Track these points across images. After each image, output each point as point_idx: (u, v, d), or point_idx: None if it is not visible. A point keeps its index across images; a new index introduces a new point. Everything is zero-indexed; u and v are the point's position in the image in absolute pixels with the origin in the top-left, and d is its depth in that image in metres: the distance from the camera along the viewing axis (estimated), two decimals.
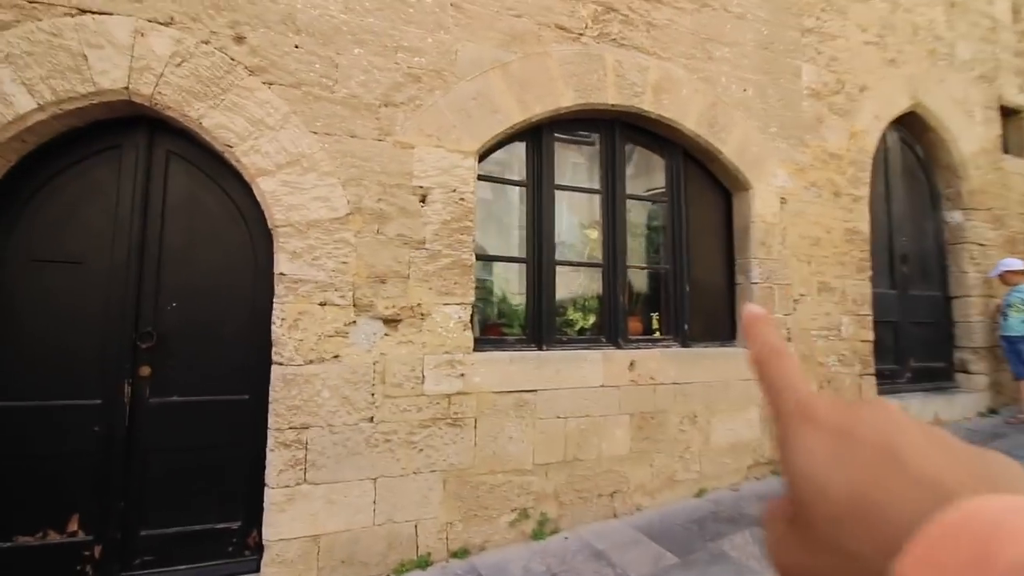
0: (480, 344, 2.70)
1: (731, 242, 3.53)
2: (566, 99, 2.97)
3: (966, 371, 4.41)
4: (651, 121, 3.23)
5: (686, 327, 3.28)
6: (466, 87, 2.73)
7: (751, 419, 3.25)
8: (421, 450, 2.42)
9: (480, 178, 2.85)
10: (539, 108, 2.90)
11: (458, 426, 2.50)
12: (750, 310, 0.27)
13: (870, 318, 3.80)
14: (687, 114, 3.27)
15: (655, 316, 3.32)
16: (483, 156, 2.87)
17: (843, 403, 0.22)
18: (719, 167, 3.44)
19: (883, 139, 4.35)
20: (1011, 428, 3.89)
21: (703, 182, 3.52)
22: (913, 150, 4.54)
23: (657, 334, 3.29)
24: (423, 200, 2.59)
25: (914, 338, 4.30)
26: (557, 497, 2.67)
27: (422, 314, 2.50)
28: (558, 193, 3.10)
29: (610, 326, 3.09)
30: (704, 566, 2.24)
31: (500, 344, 2.81)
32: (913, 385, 4.21)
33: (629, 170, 3.37)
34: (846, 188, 3.79)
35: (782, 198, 3.52)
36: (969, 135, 4.50)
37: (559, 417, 2.73)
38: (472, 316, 2.66)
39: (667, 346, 3.21)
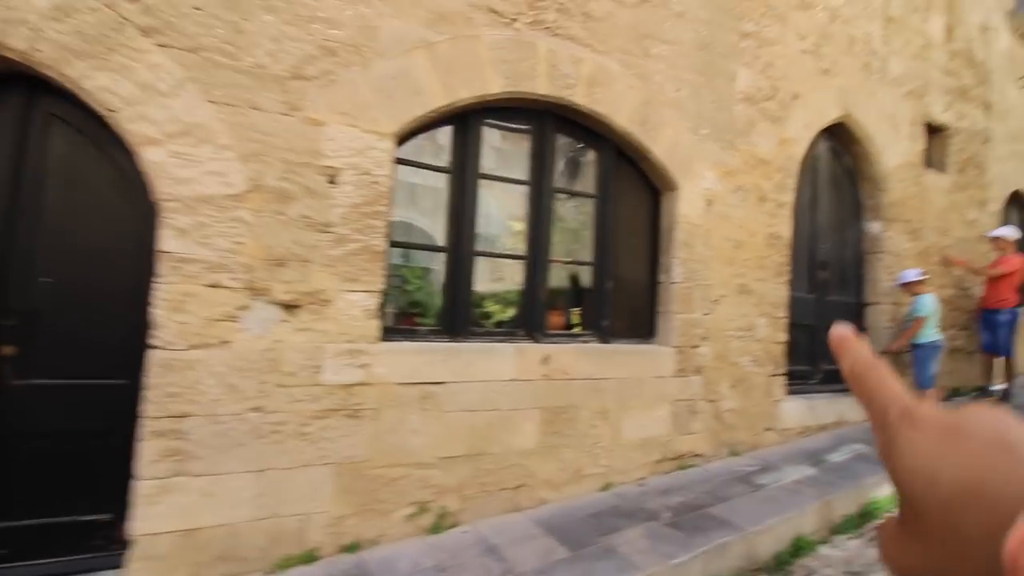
0: (390, 334, 2.64)
1: (658, 241, 3.56)
2: (495, 85, 2.89)
3: None
4: (582, 115, 3.19)
5: (606, 323, 3.30)
6: (387, 65, 2.61)
7: (661, 416, 3.33)
8: (314, 442, 2.35)
9: (400, 162, 2.75)
10: (465, 93, 2.80)
11: (357, 418, 2.44)
12: (838, 332, 0.29)
13: (785, 320, 3.95)
14: (619, 110, 3.25)
15: (576, 311, 3.33)
16: (405, 139, 2.77)
17: (948, 409, 0.23)
18: (649, 165, 3.45)
19: (812, 148, 4.48)
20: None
21: (633, 179, 3.52)
22: (841, 160, 4.70)
23: (577, 329, 3.31)
24: (332, 181, 2.47)
25: (827, 342, 4.50)
26: (460, 491, 2.67)
27: (324, 300, 2.41)
28: (486, 183, 3.04)
29: (529, 319, 3.07)
30: (591, 560, 2.28)
31: (412, 334, 2.75)
32: (823, 386, 4.43)
33: (564, 164, 3.34)
34: (772, 194, 3.88)
35: (709, 200, 3.57)
36: (894, 149, 4.69)
37: (467, 410, 2.70)
38: (383, 305, 2.59)
39: (585, 342, 3.23)
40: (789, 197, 3.99)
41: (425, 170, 2.95)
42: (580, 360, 3.06)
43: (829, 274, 4.56)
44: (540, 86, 3.00)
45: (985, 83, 5.68)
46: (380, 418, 2.49)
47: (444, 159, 2.96)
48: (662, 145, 3.39)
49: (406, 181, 3.04)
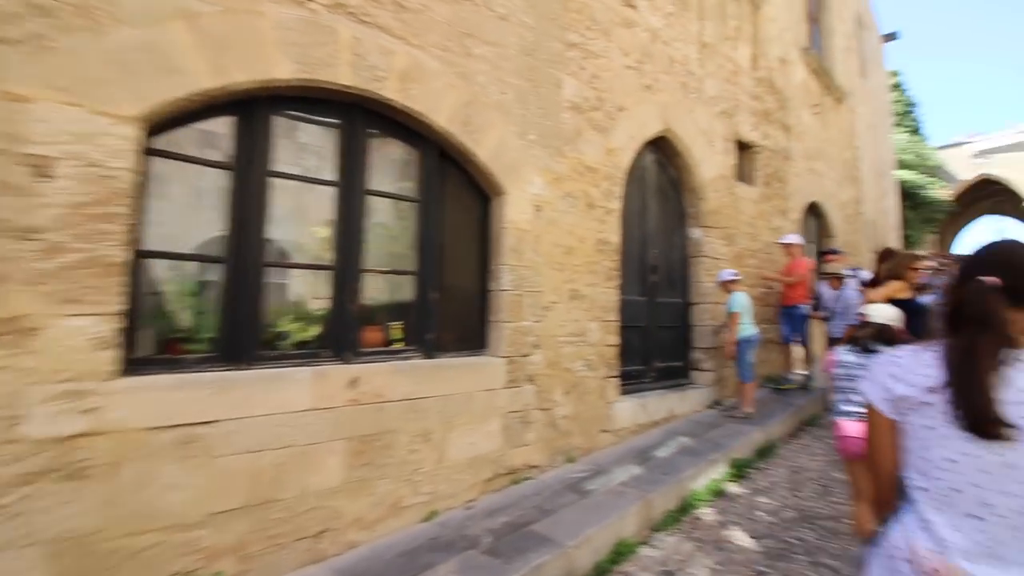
0: (139, 367, 2.13)
1: (488, 248, 3.44)
2: (282, 70, 2.52)
3: (699, 369, 5.06)
4: (397, 112, 2.94)
5: (431, 337, 3.08)
6: (130, 35, 2.11)
7: (493, 430, 3.19)
8: (13, 517, 1.78)
9: (154, 153, 2.26)
10: (243, 76, 2.39)
11: (82, 478, 1.91)
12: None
13: (616, 324, 4.07)
14: (439, 109, 3.05)
15: (397, 325, 3.06)
16: (165, 126, 2.28)
17: None
18: (475, 169, 3.31)
19: (640, 158, 4.73)
20: (726, 419, 4.52)
21: (461, 183, 3.36)
22: (666, 171, 5.04)
23: (398, 345, 3.04)
24: (43, 174, 1.92)
25: (659, 341, 4.78)
26: (240, 550, 2.24)
27: (26, 330, 1.85)
28: (281, 182, 2.65)
29: (336, 338, 2.74)
30: None
31: (174, 365, 2.27)
32: (656, 384, 4.68)
33: (382, 163, 3.05)
34: (600, 201, 3.98)
35: (537, 206, 3.53)
36: (710, 162, 5.14)
37: (248, 452, 2.29)
38: (126, 331, 2.08)
39: (407, 358, 2.97)
40: (617, 204, 4.14)
41: (196, 165, 2.47)
42: (398, 379, 2.79)
43: (659, 277, 4.84)
44: (343, 76, 2.69)
45: (784, 108, 6.54)
46: (118, 475, 1.98)
47: (227, 153, 2.51)
48: (487, 148, 3.27)
49: (174, 176, 2.53)
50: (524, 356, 3.41)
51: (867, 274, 4.81)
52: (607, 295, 4.01)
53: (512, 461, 3.29)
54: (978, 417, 0.89)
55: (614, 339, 4.05)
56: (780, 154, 6.36)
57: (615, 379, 4.04)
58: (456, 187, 3.33)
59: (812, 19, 8.40)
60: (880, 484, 1.10)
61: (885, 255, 4.38)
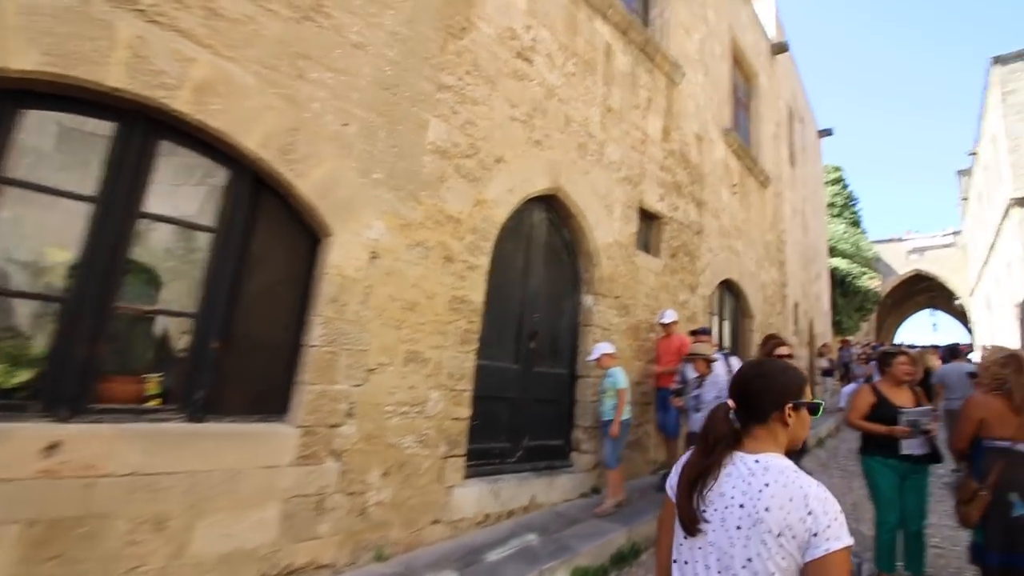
0: None
1: (308, 295, 3.00)
2: (23, 59, 2.12)
3: (579, 450, 4.63)
4: (192, 127, 2.56)
5: (200, 395, 2.56)
6: None
7: (266, 518, 2.62)
8: None
9: None
10: None
11: None
12: None
13: (469, 393, 3.64)
14: (250, 131, 2.69)
15: (154, 378, 2.53)
16: None
17: None
18: (297, 203, 2.93)
19: (526, 215, 4.49)
20: (591, 515, 4.01)
21: (284, 219, 2.96)
22: (560, 232, 4.80)
23: (155, 403, 2.50)
24: None
25: (534, 416, 4.35)
26: None
27: None
28: (12, 191, 2.18)
29: (55, 388, 2.19)
30: None
31: None
32: (522, 466, 4.20)
33: (176, 183, 2.63)
34: (461, 254, 3.65)
35: (374, 252, 3.15)
36: (606, 227, 4.96)
37: None
38: None
39: (161, 420, 2.43)
40: (484, 261, 3.81)
41: None
42: (124, 447, 2.24)
43: (540, 345, 4.48)
44: (112, 77, 2.30)
45: (699, 183, 6.56)
46: None
47: None
48: (312, 182, 2.90)
49: None
50: (332, 427, 2.91)
51: (737, 362, 4.51)
52: (459, 360, 3.59)
53: (293, 558, 2.70)
54: (682, 516, 1.17)
55: (464, 411, 3.60)
56: (691, 228, 6.31)
57: (460, 459, 3.55)
58: (274, 221, 2.92)
59: (741, 104, 8.76)
60: (659, 560, 1.31)
61: (766, 341, 4.17)
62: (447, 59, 3.68)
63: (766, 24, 10.03)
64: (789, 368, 1.27)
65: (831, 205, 22.53)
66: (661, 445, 5.39)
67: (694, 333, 5.09)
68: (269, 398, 2.85)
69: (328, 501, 2.87)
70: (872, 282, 15.71)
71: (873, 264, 20.05)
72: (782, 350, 3.75)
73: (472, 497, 3.60)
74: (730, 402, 1.23)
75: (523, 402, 4.30)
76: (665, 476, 4.68)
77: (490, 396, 4.01)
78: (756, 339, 8.15)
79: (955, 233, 25.58)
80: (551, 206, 4.67)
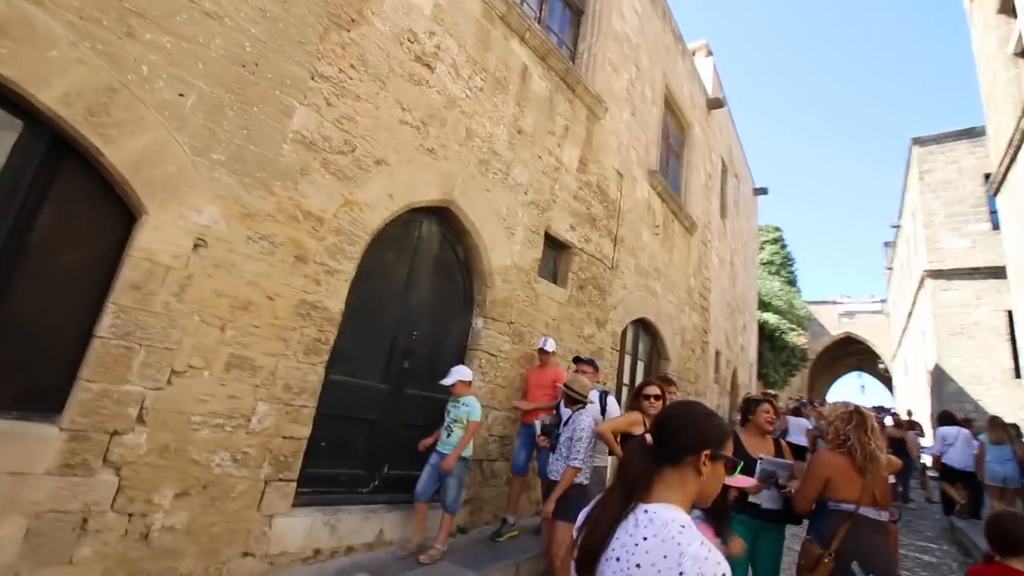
0: None
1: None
2: None
3: None
4: None
5: None
6: None
7: (2, 535, 2.16)
8: None
9: None
10: None
11: None
12: None
13: (310, 411, 3.28)
14: (49, 84, 2.37)
15: None
16: None
17: None
18: (106, 173, 2.59)
19: (416, 227, 4.27)
20: (436, 559, 3.58)
21: (95, 191, 2.61)
22: (455, 249, 4.60)
23: None
24: None
25: (401, 442, 4.00)
26: None
27: None
28: None
29: None
30: None
31: None
32: (377, 496, 3.82)
33: None
34: (319, 256, 3.36)
35: (200, 239, 2.82)
36: (504, 249, 4.79)
37: None
38: None
39: None
40: (348, 266, 3.53)
41: None
42: None
43: (415, 364, 4.17)
44: None
45: (615, 219, 6.57)
46: None
47: None
48: (127, 151, 2.58)
49: None
50: (113, 433, 2.49)
51: (614, 403, 4.11)
52: (302, 372, 3.24)
53: None
54: (576, 561, 1.11)
55: (301, 430, 3.23)
56: (603, 262, 6.26)
57: (289, 483, 3.16)
58: (82, 192, 2.57)
59: (672, 150, 9.02)
60: None
61: (644, 384, 4.03)
62: (329, 48, 3.49)
63: (705, 79, 10.53)
64: (715, 416, 1.23)
65: (769, 263, 23.61)
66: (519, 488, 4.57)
67: (577, 361, 4.58)
68: (41, 393, 2.42)
69: (96, 521, 2.42)
70: (800, 339, 16.33)
71: (805, 323, 20.93)
72: (650, 390, 3.56)
73: (300, 529, 3.19)
74: (648, 437, 1.18)
75: (387, 426, 3.96)
76: (504, 522, 4.31)
77: (345, 416, 3.66)
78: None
79: (883, 301, 27.25)
80: (445, 220, 4.48)
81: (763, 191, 15.28)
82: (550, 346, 4.71)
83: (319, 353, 3.34)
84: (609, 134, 6.53)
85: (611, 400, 4.08)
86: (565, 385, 3.65)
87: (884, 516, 2.51)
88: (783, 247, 24.30)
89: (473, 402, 3.82)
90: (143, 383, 2.60)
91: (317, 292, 3.35)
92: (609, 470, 4.14)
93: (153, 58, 2.70)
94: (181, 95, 2.80)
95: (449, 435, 3.75)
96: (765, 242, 24.43)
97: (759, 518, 2.95)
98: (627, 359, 7.20)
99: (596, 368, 4.47)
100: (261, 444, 3.03)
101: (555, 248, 5.60)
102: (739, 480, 2.88)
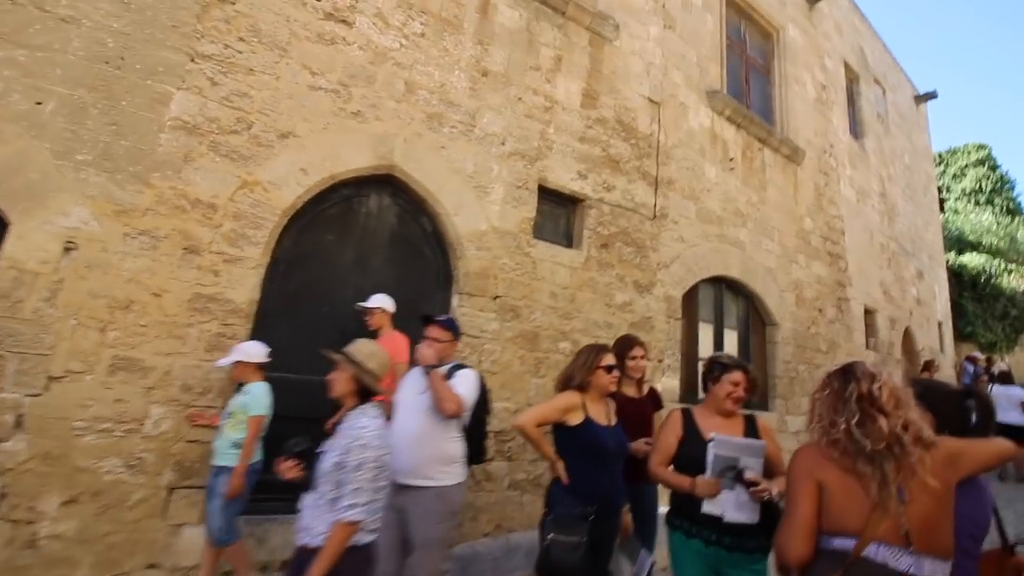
0: None
1: None
2: None
3: None
4: None
5: None
6: None
7: None
8: None
9: None
10: None
11: None
12: None
13: (217, 411, 3.07)
14: None
15: None
16: None
17: None
18: None
19: (362, 202, 3.92)
20: None
21: None
22: (419, 221, 4.12)
23: None
24: None
25: None
26: None
27: None
28: None
29: None
30: None
31: None
32: None
33: None
34: (215, 245, 3.17)
35: (70, 242, 2.81)
36: (474, 212, 4.16)
37: None
38: None
39: None
40: (254, 252, 3.29)
41: None
42: None
43: None
44: None
45: (652, 157, 5.42)
46: None
47: None
48: None
49: None
50: None
51: (473, 378, 2.62)
52: (204, 371, 3.07)
53: None
54: None
55: (208, 433, 3.04)
56: (638, 212, 5.17)
57: (199, 490, 2.98)
58: None
59: (752, 63, 7.32)
60: None
61: (618, 344, 3.06)
62: (210, 26, 3.33)
63: None
64: None
65: (976, 191, 18.45)
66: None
67: (427, 323, 2.70)
68: None
69: None
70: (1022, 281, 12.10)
71: None
72: (605, 359, 2.54)
73: None
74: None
75: None
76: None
77: (282, 416, 3.40)
78: (787, 353, 6.50)
79: None
80: (401, 190, 4.03)
81: (930, 96, 11.78)
82: (375, 302, 3.48)
83: (224, 349, 3.14)
84: (629, 56, 5.43)
85: (464, 376, 2.56)
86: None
87: (933, 569, 1.31)
88: (993, 168, 18.75)
89: (259, 390, 3.00)
90: (19, 390, 2.63)
91: (216, 284, 3.16)
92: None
93: (7, 73, 2.77)
94: (39, 103, 2.83)
95: (219, 438, 2.91)
96: (965, 166, 19.18)
97: (723, 541, 1.89)
98: (705, 329, 5.89)
99: (455, 333, 2.75)
100: (160, 449, 2.91)
101: (558, 203, 4.77)
102: (692, 484, 1.91)
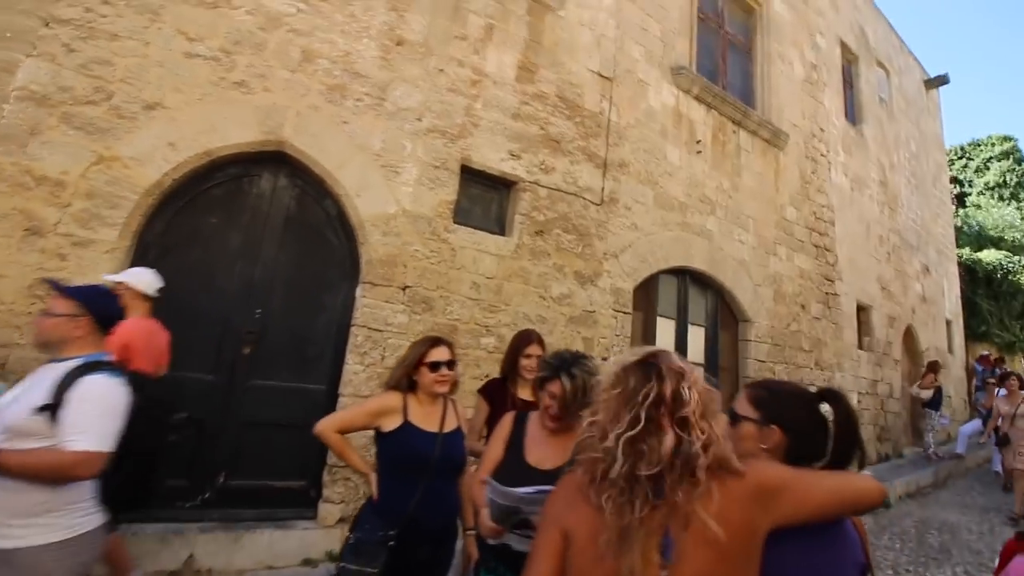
0: None
1: None
2: None
3: (325, 499, 3.46)
4: None
5: None
6: None
7: None
8: None
9: None
10: None
11: None
12: None
13: None
14: None
15: None
16: None
17: None
18: None
19: (252, 182, 3.63)
20: None
21: None
22: (322, 205, 3.81)
23: None
24: None
25: (247, 445, 3.35)
26: None
27: None
28: None
29: None
30: None
31: None
32: (212, 511, 3.20)
33: None
34: (63, 226, 2.90)
35: None
36: (381, 194, 3.83)
37: None
38: None
39: None
40: (109, 235, 3.02)
41: None
42: None
43: (265, 350, 3.49)
44: None
45: (602, 137, 5.03)
46: None
47: None
48: None
49: None
50: None
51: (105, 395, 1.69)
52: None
53: None
54: None
55: None
56: (582, 197, 4.78)
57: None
58: None
59: (729, 38, 6.86)
60: None
61: (514, 340, 2.72)
62: None
63: None
64: None
65: (1000, 185, 17.55)
66: None
67: (57, 291, 1.76)
68: None
69: None
70: None
71: None
72: (437, 353, 2.15)
73: None
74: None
75: (225, 426, 3.33)
76: None
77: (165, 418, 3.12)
78: (762, 352, 6.05)
79: None
80: (300, 170, 3.73)
81: (941, 81, 11.08)
82: (122, 276, 2.76)
83: None
84: (576, 27, 5.05)
85: (89, 395, 1.56)
86: None
87: None
88: (1019, 161, 17.81)
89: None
90: None
91: (63, 268, 2.89)
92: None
93: None
94: None
95: None
96: (989, 159, 18.28)
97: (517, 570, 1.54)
98: (666, 325, 5.47)
99: (90, 309, 1.73)
100: None
101: (490, 186, 4.42)
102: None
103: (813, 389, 1.35)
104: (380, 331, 3.74)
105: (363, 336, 3.68)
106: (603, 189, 4.96)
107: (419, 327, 3.87)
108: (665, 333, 5.46)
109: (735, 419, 1.27)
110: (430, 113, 4.13)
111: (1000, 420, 6.16)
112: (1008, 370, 8.03)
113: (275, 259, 3.63)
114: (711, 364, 5.74)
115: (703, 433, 1.01)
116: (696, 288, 5.84)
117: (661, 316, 5.46)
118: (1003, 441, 6.01)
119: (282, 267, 3.65)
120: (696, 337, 5.73)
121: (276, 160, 3.68)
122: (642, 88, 5.48)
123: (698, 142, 5.90)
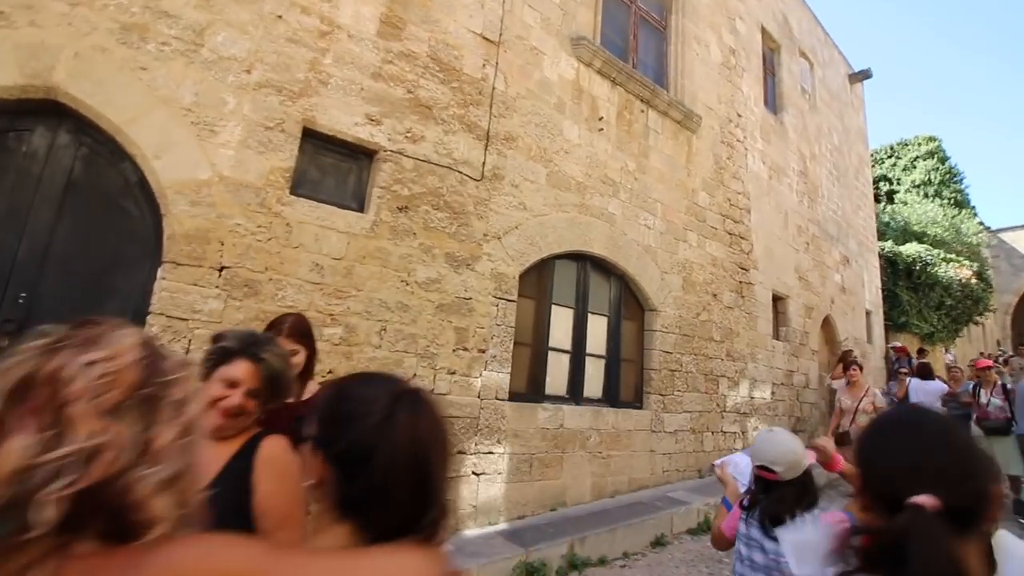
0: None
1: None
2: None
3: None
4: None
5: None
6: None
7: None
8: None
9: None
10: None
11: None
12: None
13: None
14: None
15: None
16: None
17: None
18: None
19: (23, 138, 2.95)
20: None
21: None
22: (120, 168, 3.16)
23: None
24: None
25: None
26: None
27: None
28: None
29: None
30: None
31: None
32: None
33: None
34: None
35: None
36: (187, 155, 3.22)
37: None
38: None
39: None
40: None
41: None
42: None
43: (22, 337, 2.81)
44: None
45: (485, 106, 4.54)
46: None
47: None
48: None
49: None
50: None
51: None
52: None
53: None
54: None
55: None
56: (456, 170, 4.29)
57: None
58: None
59: (641, 14, 6.51)
60: None
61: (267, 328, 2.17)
62: None
63: None
64: None
65: (926, 183, 18.21)
66: None
67: None
68: None
69: None
70: (962, 271, 11.58)
71: (982, 253, 15.48)
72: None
73: None
74: None
75: None
76: None
77: None
78: (668, 343, 5.72)
79: None
80: (87, 125, 3.07)
81: (864, 75, 11.19)
82: None
83: None
84: None
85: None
86: None
87: None
88: (943, 160, 18.53)
89: None
90: None
91: None
92: None
93: None
94: None
95: None
96: (915, 158, 18.97)
97: None
98: (562, 313, 5.04)
99: None
100: None
101: (348, 154, 3.86)
102: None
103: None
104: (184, 320, 3.12)
105: (160, 326, 3.05)
106: (484, 163, 4.46)
107: (238, 316, 3.27)
108: (561, 322, 5.03)
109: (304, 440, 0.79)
110: (262, 65, 3.52)
111: (841, 417, 5.36)
112: (926, 361, 8.04)
113: (49, 232, 2.96)
114: (613, 355, 5.35)
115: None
116: (599, 275, 5.44)
117: (556, 304, 5.02)
118: (842, 440, 4.88)
119: (59, 242, 2.98)
120: (597, 327, 5.33)
121: (56, 113, 3.01)
122: (536, 56, 5.03)
123: (600, 119, 5.49)
